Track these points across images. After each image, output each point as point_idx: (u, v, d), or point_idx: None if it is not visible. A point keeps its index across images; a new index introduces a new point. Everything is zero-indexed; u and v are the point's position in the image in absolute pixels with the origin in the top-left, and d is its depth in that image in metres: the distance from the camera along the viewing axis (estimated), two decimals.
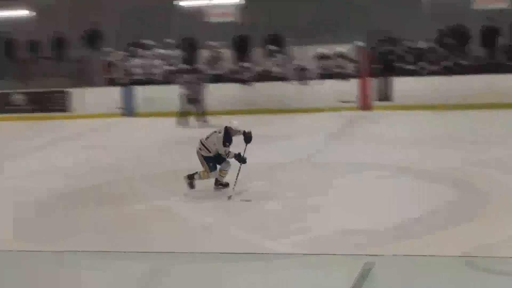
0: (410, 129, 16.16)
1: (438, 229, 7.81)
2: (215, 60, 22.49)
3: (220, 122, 19.47)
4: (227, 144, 9.68)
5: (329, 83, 20.48)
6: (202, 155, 9.85)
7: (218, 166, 9.97)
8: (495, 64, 19.98)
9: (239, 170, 9.66)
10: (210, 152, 9.80)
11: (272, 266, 6.79)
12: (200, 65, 21.90)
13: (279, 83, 21.05)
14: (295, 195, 9.62)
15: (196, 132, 17.71)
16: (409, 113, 18.86)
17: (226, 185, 10.03)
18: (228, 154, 9.68)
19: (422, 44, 21.06)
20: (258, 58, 22.41)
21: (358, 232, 7.78)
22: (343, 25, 20.97)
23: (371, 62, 20.58)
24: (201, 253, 7.30)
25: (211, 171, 9.86)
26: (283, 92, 20.70)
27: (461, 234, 7.60)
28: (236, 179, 9.63)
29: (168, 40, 22.74)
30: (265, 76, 21.46)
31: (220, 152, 9.74)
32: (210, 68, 22.05)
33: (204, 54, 22.66)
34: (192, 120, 18.95)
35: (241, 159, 9.71)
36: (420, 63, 20.67)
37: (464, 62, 20.26)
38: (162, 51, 22.77)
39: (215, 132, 9.85)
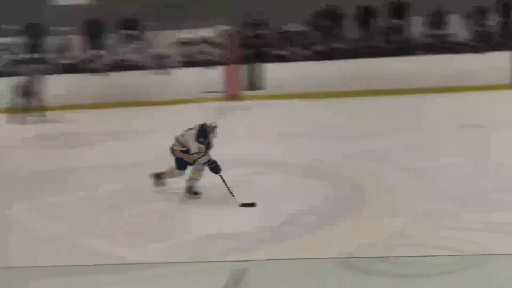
0: (283, 120, 16.20)
1: (314, 228, 7.82)
2: (64, 48, 21.95)
3: (67, 117, 19.37)
4: (201, 139, 9.13)
5: (192, 72, 20.25)
6: (180, 151, 9.30)
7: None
8: (372, 47, 20.54)
9: (222, 179, 9.04)
10: (184, 147, 9.27)
11: (129, 277, 6.63)
12: (48, 54, 21.40)
13: (137, 72, 20.64)
14: (156, 197, 9.47)
15: (35, 129, 17.27)
16: (281, 103, 18.85)
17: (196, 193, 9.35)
18: (202, 154, 9.09)
19: (293, 27, 21.36)
20: (113, 45, 22.09)
21: (228, 236, 7.69)
22: (206, 7, 20.87)
23: (239, 47, 20.58)
24: (49, 266, 7.04)
25: (176, 168, 9.39)
26: (141, 82, 20.26)
27: (339, 234, 7.67)
28: (227, 186, 8.96)
29: (10, 27, 22.06)
30: (121, 65, 21.12)
31: (191, 150, 9.19)
32: (59, 57, 21.55)
33: (51, 41, 22.10)
34: (27, 115, 18.17)
35: (215, 167, 9.10)
36: (292, 48, 20.97)
37: (338, 46, 20.66)
38: (2, 39, 22.17)
39: (191, 129, 9.29)
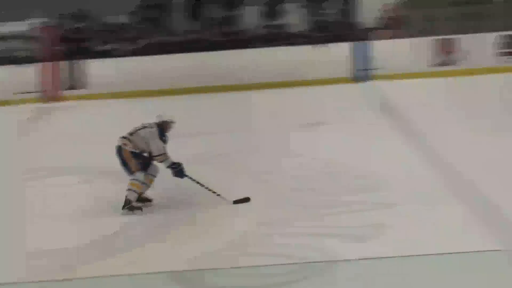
0: (111, 122, 15.98)
1: (142, 241, 7.76)
2: None
3: None
4: (164, 138, 8.80)
5: (4, 70, 19.39)
6: (130, 152, 8.78)
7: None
8: (204, 40, 20.55)
9: (198, 182, 8.89)
10: (137, 149, 8.80)
11: None
12: None
13: None
14: None
15: None
16: (108, 102, 18.47)
17: (146, 200, 8.93)
18: (165, 157, 8.73)
19: (118, 19, 21.16)
20: None
21: (50, 253, 7.54)
22: None
23: (57, 42, 20.14)
24: None
25: (138, 169, 8.71)
26: None
27: (169, 245, 7.65)
28: (206, 187, 8.88)
29: None
30: None
31: (153, 152, 8.74)
32: None
33: None
34: None
35: (180, 171, 8.81)
36: (117, 42, 20.75)
37: (168, 39, 20.67)
38: None
39: (144, 127, 8.87)
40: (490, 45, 19.62)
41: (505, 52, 19.64)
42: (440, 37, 19.71)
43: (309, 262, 6.72)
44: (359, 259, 6.72)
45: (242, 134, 13.09)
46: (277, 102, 17.13)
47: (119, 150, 8.88)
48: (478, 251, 6.68)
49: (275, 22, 20.28)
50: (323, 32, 19.92)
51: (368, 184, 9.28)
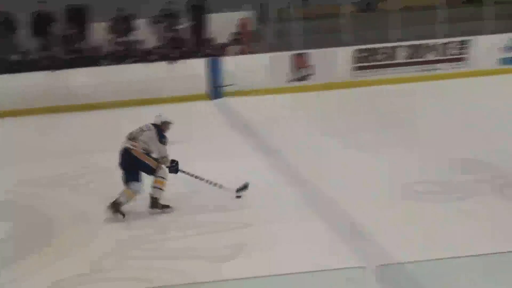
0: None
1: None
2: None
3: None
4: (164, 140, 8.97)
5: None
6: (141, 151, 8.93)
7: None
8: (51, 58, 20.05)
9: (197, 176, 9.29)
10: (144, 150, 8.95)
11: None
12: None
13: None
14: None
15: None
16: None
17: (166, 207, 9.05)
18: (167, 160, 8.99)
19: None
20: None
21: None
22: None
23: None
24: None
25: (158, 165, 8.94)
26: None
27: (24, 274, 7.47)
28: (206, 180, 9.33)
29: None
30: None
31: (154, 154, 8.92)
32: None
33: None
34: None
35: (176, 168, 9.10)
36: None
37: (12, 58, 20.10)
38: None
39: (142, 130, 9.00)
40: (345, 59, 20.05)
41: (359, 66, 20.10)
42: (294, 52, 19.96)
43: (167, 286, 6.69)
44: (218, 281, 6.72)
45: (97, 156, 12.78)
46: (131, 121, 16.93)
47: (127, 153, 8.94)
48: (342, 268, 6.74)
49: (126, 39, 20.01)
50: (176, 49, 19.78)
51: (225, 203, 9.30)
